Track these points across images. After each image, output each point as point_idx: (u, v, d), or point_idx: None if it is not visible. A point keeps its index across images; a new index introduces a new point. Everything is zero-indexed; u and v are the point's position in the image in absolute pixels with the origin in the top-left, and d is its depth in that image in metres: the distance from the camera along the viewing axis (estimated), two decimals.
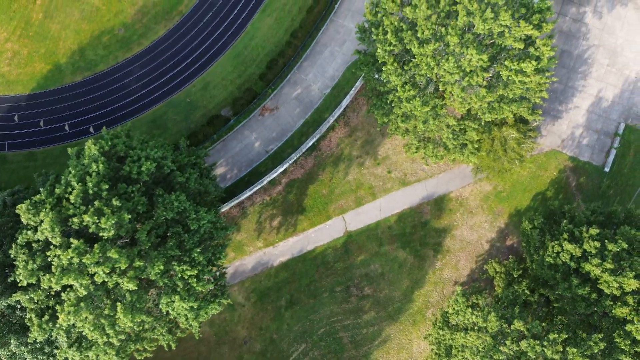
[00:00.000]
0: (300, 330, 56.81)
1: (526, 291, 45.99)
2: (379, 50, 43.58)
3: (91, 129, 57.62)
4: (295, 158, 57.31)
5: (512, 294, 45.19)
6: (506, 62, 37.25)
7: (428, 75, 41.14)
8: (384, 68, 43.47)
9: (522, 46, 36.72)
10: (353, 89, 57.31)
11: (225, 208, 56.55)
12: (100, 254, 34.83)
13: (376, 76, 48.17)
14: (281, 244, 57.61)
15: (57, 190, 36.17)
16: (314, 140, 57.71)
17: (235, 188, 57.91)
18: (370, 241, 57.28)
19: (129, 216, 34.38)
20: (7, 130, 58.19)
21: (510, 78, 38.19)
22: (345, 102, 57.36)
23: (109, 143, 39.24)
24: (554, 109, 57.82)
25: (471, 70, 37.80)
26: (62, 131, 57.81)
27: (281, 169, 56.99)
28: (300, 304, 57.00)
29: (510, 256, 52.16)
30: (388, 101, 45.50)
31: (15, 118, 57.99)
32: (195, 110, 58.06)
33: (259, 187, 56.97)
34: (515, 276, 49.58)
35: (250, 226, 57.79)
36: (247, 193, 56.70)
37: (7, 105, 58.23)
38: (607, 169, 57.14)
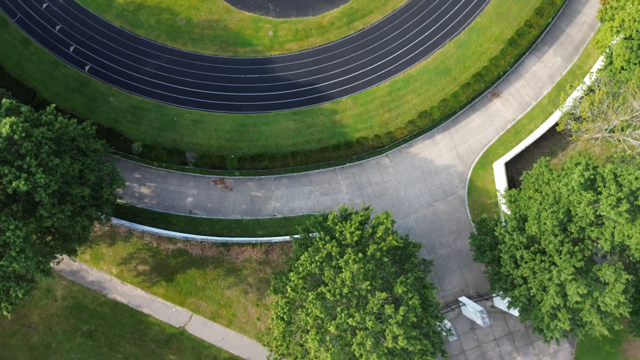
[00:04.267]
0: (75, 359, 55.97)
1: None
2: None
3: (87, 68, 57.17)
4: (202, 239, 56.26)
5: None
6: None
7: None
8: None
9: None
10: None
11: (116, 221, 55.66)
12: None
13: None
14: (129, 287, 56.68)
15: None
16: (233, 240, 56.53)
17: (150, 215, 56.79)
18: (190, 352, 56.15)
19: None
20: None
21: None
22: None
23: (20, 128, 38.77)
24: None
25: None
26: (66, 47, 57.27)
27: (186, 236, 56.05)
28: (95, 343, 55.96)
29: None
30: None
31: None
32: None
33: (158, 233, 55.98)
34: None
35: (122, 252, 56.79)
36: (145, 228, 55.72)
37: None
38: None
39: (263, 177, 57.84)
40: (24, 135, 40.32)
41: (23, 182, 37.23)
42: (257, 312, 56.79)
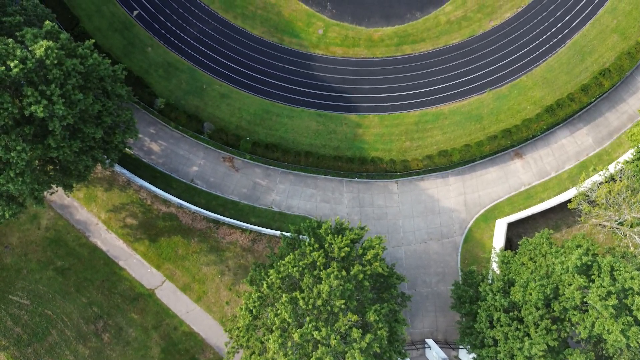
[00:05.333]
0: (39, 292, 55.73)
1: None
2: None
3: (135, 13, 57.14)
4: (195, 210, 56.22)
5: None
6: None
7: None
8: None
9: None
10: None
11: (118, 169, 55.64)
12: None
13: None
14: (112, 236, 56.67)
15: None
16: (225, 220, 56.45)
17: (152, 172, 56.77)
18: (153, 316, 56.06)
19: None
20: None
21: None
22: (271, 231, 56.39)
23: (54, 54, 38.67)
24: None
25: None
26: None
27: (181, 202, 55.99)
28: (65, 280, 55.88)
29: None
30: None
31: None
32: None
33: (155, 192, 55.95)
34: None
35: (115, 200, 56.71)
36: (144, 184, 55.71)
37: None
38: None
39: (271, 167, 57.82)
40: (55, 62, 40.24)
41: (42, 109, 37.13)
42: (227, 296, 56.73)
